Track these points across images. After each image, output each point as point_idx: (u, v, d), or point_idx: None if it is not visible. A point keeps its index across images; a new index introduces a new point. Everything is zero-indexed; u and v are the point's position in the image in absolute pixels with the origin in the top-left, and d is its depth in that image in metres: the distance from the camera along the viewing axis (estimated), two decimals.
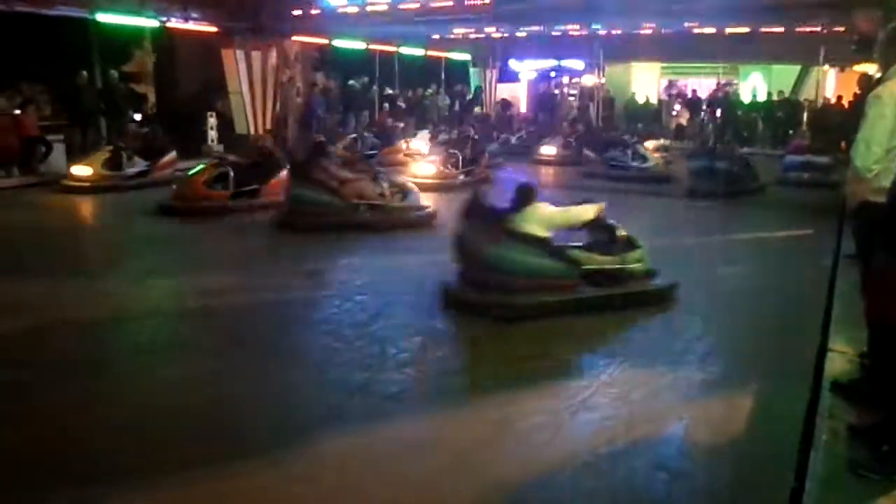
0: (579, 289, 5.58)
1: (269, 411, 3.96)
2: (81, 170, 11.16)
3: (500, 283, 5.43)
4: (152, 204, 9.64)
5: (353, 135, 15.56)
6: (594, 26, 16.99)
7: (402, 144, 15.42)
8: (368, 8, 14.30)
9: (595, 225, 5.87)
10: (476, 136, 14.19)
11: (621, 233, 5.91)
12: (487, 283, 5.48)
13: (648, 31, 16.60)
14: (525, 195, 5.66)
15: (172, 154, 12.31)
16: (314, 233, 8.34)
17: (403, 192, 9.14)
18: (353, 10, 14.39)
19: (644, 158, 13.70)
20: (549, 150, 16.17)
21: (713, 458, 3.48)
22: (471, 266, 5.64)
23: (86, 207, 10.43)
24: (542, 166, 15.65)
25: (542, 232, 5.52)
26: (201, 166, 9.95)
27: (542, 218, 5.58)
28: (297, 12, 14.81)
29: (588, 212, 5.78)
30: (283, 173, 9.90)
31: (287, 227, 8.60)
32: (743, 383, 4.32)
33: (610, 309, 5.55)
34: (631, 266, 5.79)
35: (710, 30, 15.67)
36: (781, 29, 14.99)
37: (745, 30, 15.43)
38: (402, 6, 13.87)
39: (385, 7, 13.90)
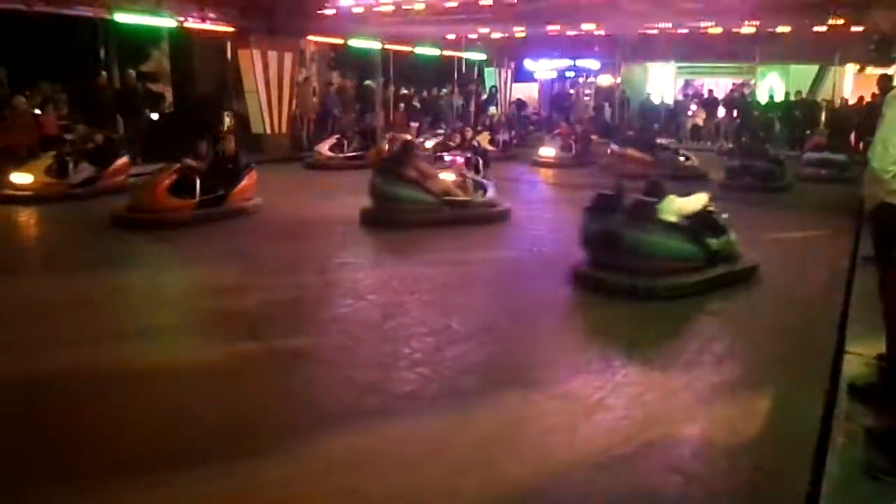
0: (705, 270, 6.23)
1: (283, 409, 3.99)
2: (20, 177, 9.99)
3: (641, 266, 6.00)
4: (103, 215, 8.65)
5: (337, 135, 15.29)
6: (607, 27, 16.93)
7: (385, 146, 14.84)
8: (384, 8, 14.36)
9: (702, 212, 6.48)
10: (475, 143, 13.92)
11: (723, 218, 6.62)
12: (625, 267, 6.02)
13: (665, 32, 16.52)
14: (661, 188, 6.44)
15: (125, 159, 11.23)
16: (404, 228, 8.56)
17: (483, 188, 9.52)
18: (377, 9, 14.44)
19: (691, 159, 14.41)
20: (547, 151, 15.96)
21: (728, 460, 3.45)
22: (609, 251, 6.16)
23: (25, 220, 9.34)
24: (542, 168, 15.48)
25: (676, 220, 6.19)
26: (157, 172, 9.03)
27: (677, 208, 6.26)
28: (326, 12, 14.84)
29: (702, 200, 6.51)
30: (249, 178, 9.52)
31: (376, 223, 8.78)
32: (759, 385, 4.29)
33: (723, 286, 6.19)
34: (734, 248, 6.55)
35: (729, 29, 15.56)
36: (801, 28, 14.86)
37: (763, 30, 15.32)
38: (415, 6, 13.92)
39: (420, 7, 13.92)
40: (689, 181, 12.53)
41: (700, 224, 6.31)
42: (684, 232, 6.16)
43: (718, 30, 15.69)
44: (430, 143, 15.08)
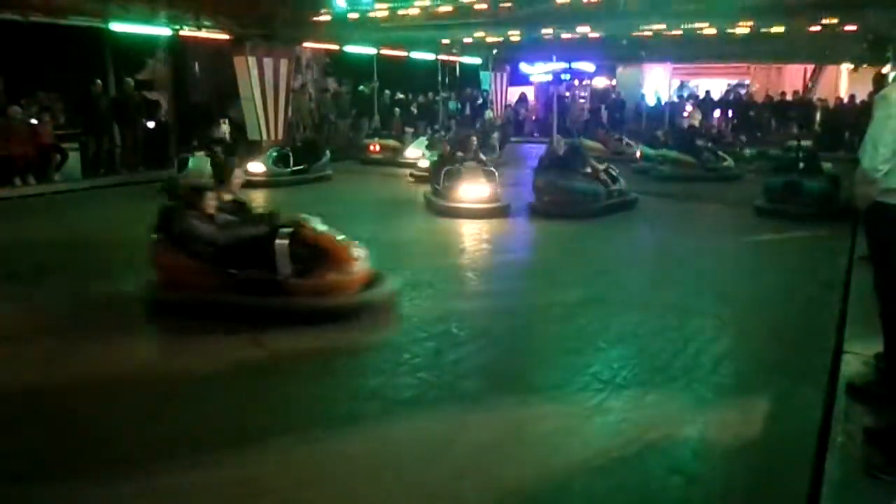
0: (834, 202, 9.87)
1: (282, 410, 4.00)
2: None
3: (812, 202, 9.62)
4: None
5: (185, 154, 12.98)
6: (606, 29, 16.91)
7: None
8: (379, 14, 14.37)
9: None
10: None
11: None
12: (802, 202, 9.64)
13: (660, 33, 16.51)
14: (817, 155, 10.80)
15: None
16: (576, 218, 9.52)
17: (618, 179, 10.68)
18: (370, 15, 14.44)
19: (727, 159, 15.14)
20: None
21: (728, 461, 3.47)
22: (790, 195, 9.72)
23: None
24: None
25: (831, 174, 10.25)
26: None
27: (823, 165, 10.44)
28: (321, 18, 14.83)
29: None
30: None
31: (545, 215, 9.73)
32: (758, 385, 4.30)
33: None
34: None
35: (723, 31, 15.56)
36: (795, 28, 14.87)
37: (759, 30, 15.32)
38: (410, 11, 13.93)
39: (415, 12, 13.91)
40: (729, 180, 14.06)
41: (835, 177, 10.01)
42: (834, 181, 9.83)
43: (713, 31, 15.69)
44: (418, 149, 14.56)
